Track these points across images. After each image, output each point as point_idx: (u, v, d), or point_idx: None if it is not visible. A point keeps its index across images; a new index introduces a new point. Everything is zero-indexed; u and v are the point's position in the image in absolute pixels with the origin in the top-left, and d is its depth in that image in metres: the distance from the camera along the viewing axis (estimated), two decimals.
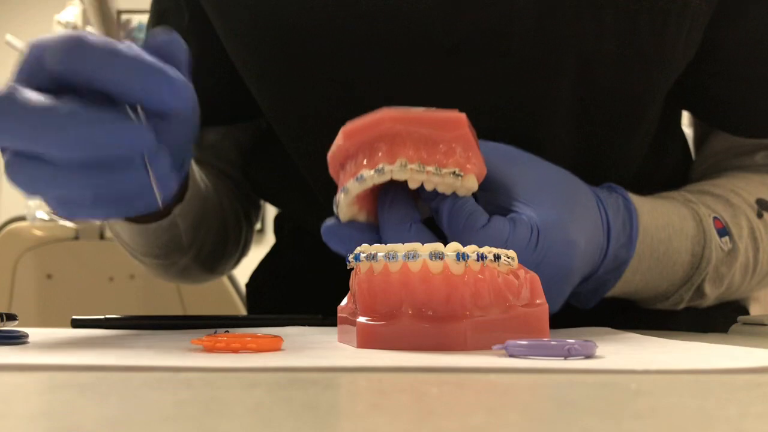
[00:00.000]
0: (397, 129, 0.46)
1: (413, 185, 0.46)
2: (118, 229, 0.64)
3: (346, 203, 0.47)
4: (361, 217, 0.49)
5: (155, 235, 0.63)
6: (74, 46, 0.41)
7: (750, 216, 0.62)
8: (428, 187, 0.46)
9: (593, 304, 0.57)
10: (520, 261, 0.41)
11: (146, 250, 0.66)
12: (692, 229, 0.59)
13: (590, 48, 0.58)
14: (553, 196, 0.50)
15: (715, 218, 0.60)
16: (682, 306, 0.62)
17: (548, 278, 0.46)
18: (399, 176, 0.45)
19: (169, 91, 0.41)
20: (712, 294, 0.61)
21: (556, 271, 0.48)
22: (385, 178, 0.45)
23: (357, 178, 0.46)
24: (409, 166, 0.45)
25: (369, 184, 0.45)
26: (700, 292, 0.61)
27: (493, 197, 0.50)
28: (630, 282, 0.57)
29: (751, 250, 0.62)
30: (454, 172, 0.46)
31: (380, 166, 0.45)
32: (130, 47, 0.41)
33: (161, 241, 0.64)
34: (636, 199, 0.57)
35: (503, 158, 0.52)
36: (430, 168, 0.45)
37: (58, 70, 0.41)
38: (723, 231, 0.60)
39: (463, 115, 0.47)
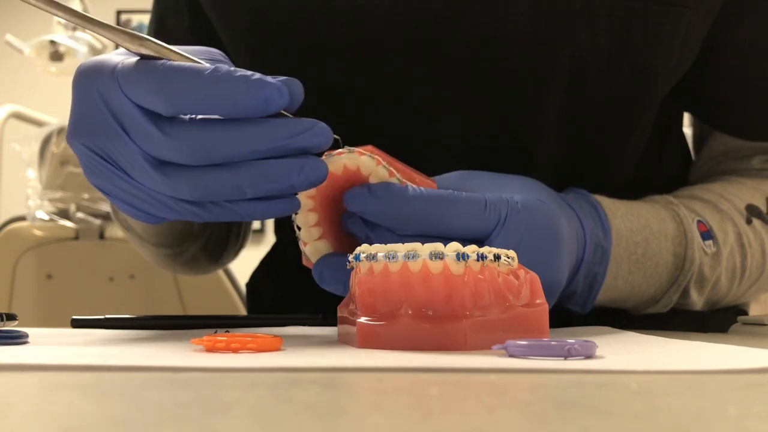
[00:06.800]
0: (378, 151, 0.47)
1: (374, 180, 0.46)
2: (131, 221, 0.66)
3: (305, 222, 0.47)
4: (324, 246, 0.48)
5: (171, 222, 0.65)
6: None
7: (738, 221, 0.62)
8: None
9: (590, 307, 0.57)
10: (509, 224, 0.44)
11: (160, 239, 0.69)
12: (673, 230, 0.59)
13: (583, 54, 0.58)
14: (520, 188, 0.51)
15: (699, 221, 0.60)
16: (669, 308, 0.62)
17: (542, 243, 0.48)
18: (366, 164, 0.46)
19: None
20: (697, 298, 0.61)
21: (547, 233, 0.48)
22: (353, 159, 0.46)
23: (327, 156, 0.46)
24: (377, 158, 0.46)
25: (339, 162, 0.46)
26: (686, 294, 0.61)
27: None
28: (614, 288, 0.57)
29: (738, 256, 0.62)
30: None
31: (352, 149, 0.46)
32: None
33: (176, 229, 0.67)
34: (609, 203, 0.58)
35: (460, 178, 0.52)
36: (394, 171, 0.47)
37: None
38: (707, 234, 0.60)
39: (435, 184, 0.50)
